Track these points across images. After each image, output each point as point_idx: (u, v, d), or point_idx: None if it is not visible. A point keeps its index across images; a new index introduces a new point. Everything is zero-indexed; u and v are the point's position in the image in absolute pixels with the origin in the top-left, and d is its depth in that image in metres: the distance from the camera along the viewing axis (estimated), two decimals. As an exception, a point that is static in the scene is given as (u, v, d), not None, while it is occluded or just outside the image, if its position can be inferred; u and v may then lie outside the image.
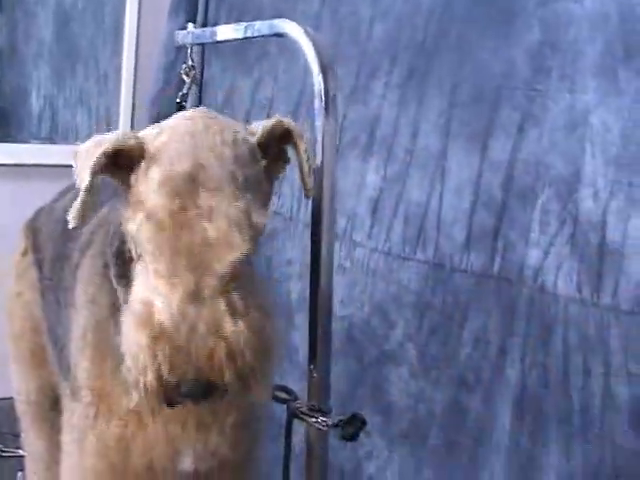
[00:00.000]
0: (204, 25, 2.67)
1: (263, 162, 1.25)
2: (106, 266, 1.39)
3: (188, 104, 2.70)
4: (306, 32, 1.36)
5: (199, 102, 2.73)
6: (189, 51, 1.68)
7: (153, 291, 1.14)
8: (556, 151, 1.67)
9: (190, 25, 1.75)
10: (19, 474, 2.04)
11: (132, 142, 1.20)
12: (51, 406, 1.80)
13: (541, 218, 1.69)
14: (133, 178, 1.20)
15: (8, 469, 2.16)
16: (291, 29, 1.39)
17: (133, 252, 1.22)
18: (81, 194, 1.19)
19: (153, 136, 1.22)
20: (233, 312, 1.13)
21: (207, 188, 1.15)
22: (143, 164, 1.19)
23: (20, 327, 1.86)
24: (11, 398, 2.00)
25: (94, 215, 1.52)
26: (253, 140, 1.25)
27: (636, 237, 1.53)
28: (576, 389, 1.61)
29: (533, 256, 1.70)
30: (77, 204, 1.20)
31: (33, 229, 1.85)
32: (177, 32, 1.73)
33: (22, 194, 2.45)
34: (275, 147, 1.30)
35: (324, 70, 1.33)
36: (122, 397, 1.34)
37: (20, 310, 1.86)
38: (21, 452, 2.09)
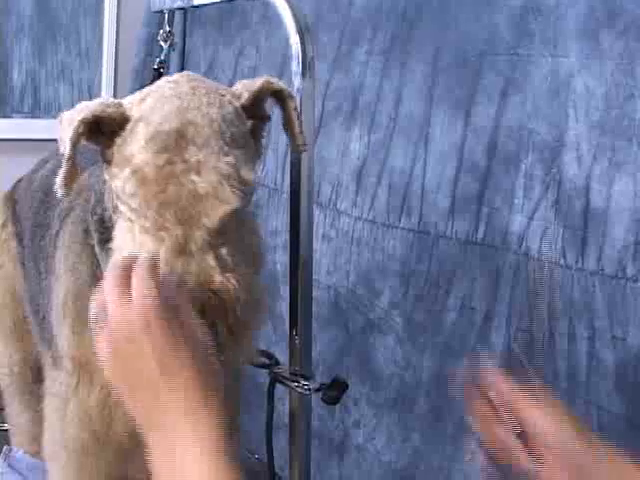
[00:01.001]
0: (189, -1, 2.64)
1: (249, 123, 1.24)
2: (86, 232, 1.37)
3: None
4: (282, -7, 1.34)
5: (182, 73, 2.71)
6: (166, 17, 1.66)
7: (139, 248, 1.12)
8: (539, 116, 1.66)
9: (166, -10, 1.73)
10: (4, 448, 2.03)
11: (111, 110, 1.18)
12: (34, 378, 1.80)
13: (525, 183, 1.68)
14: (119, 140, 1.18)
15: (-7, 444, 2.15)
16: (267, -10, 1.37)
17: (114, 212, 1.20)
18: (64, 163, 1.17)
19: (138, 101, 1.20)
20: (223, 266, 1.11)
21: (195, 144, 1.13)
22: (129, 126, 1.17)
23: (1, 299, 1.85)
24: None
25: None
26: (237, 104, 1.23)
27: (620, 201, 1.52)
28: (562, 354, 1.60)
29: (517, 222, 1.69)
30: (61, 173, 1.17)
31: (12, 200, 1.84)
32: (153, -3, 1.71)
33: (5, 169, 2.43)
34: (260, 108, 1.28)
35: (301, 31, 1.31)
36: None
37: (1, 282, 1.85)
38: (6, 426, 2.09)
